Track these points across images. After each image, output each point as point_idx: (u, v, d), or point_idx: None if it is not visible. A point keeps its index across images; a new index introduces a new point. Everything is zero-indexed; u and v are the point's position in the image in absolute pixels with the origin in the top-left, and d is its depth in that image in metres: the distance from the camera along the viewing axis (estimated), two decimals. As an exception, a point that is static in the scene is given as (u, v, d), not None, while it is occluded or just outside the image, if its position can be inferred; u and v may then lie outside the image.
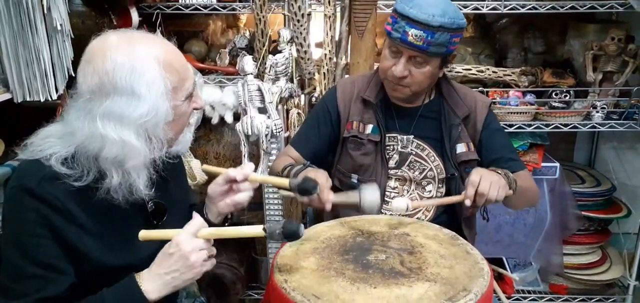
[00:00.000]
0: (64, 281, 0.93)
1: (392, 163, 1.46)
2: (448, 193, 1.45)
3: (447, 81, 1.50)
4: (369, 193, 1.23)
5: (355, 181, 1.46)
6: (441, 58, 1.34)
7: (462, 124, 1.44)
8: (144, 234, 0.98)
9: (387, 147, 1.46)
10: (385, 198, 1.45)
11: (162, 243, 0.98)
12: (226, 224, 1.22)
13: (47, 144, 0.95)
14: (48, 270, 0.92)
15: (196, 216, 1.00)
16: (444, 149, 1.44)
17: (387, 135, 1.46)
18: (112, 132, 0.91)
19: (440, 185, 1.46)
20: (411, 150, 1.45)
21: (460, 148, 1.43)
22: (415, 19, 1.25)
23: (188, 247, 0.94)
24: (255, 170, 1.89)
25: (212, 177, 1.22)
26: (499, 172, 1.30)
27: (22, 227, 0.92)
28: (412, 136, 1.45)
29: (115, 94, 0.91)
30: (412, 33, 1.26)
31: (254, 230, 0.99)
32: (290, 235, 0.98)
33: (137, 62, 0.92)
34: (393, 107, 1.48)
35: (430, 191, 1.45)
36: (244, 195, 1.14)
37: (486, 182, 1.21)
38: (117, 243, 1.00)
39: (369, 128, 1.46)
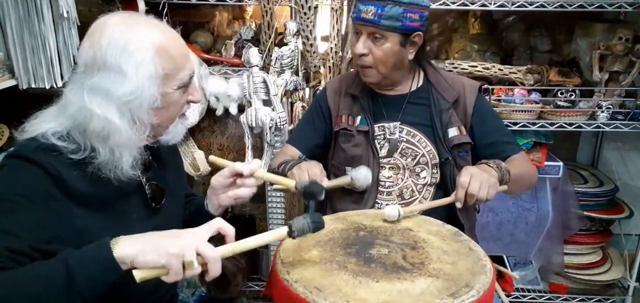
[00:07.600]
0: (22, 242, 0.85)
1: (383, 152, 1.48)
2: (443, 178, 1.46)
3: (434, 69, 1.54)
4: (360, 171, 1.31)
5: None
6: (400, 34, 1.38)
7: (451, 108, 1.46)
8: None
9: (377, 137, 1.49)
10: (379, 189, 1.47)
11: (158, 227, 0.95)
12: (227, 217, 1.21)
13: (44, 124, 0.96)
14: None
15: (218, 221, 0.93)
16: (436, 134, 1.45)
17: (376, 125, 1.49)
18: (96, 108, 0.91)
19: (434, 170, 1.46)
20: (400, 137, 1.47)
21: (453, 132, 1.45)
22: None
23: (193, 239, 0.86)
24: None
25: (216, 168, 1.21)
26: (491, 165, 1.31)
27: (9, 188, 0.88)
28: (399, 122, 1.47)
29: (104, 70, 0.92)
30: (364, 9, 1.37)
31: (278, 234, 0.94)
32: (318, 226, 0.96)
33: (130, 41, 0.92)
34: (379, 97, 1.51)
35: (424, 177, 1.46)
36: (246, 191, 1.14)
37: (476, 182, 1.21)
38: (112, 221, 0.99)
39: (358, 120, 1.50)
